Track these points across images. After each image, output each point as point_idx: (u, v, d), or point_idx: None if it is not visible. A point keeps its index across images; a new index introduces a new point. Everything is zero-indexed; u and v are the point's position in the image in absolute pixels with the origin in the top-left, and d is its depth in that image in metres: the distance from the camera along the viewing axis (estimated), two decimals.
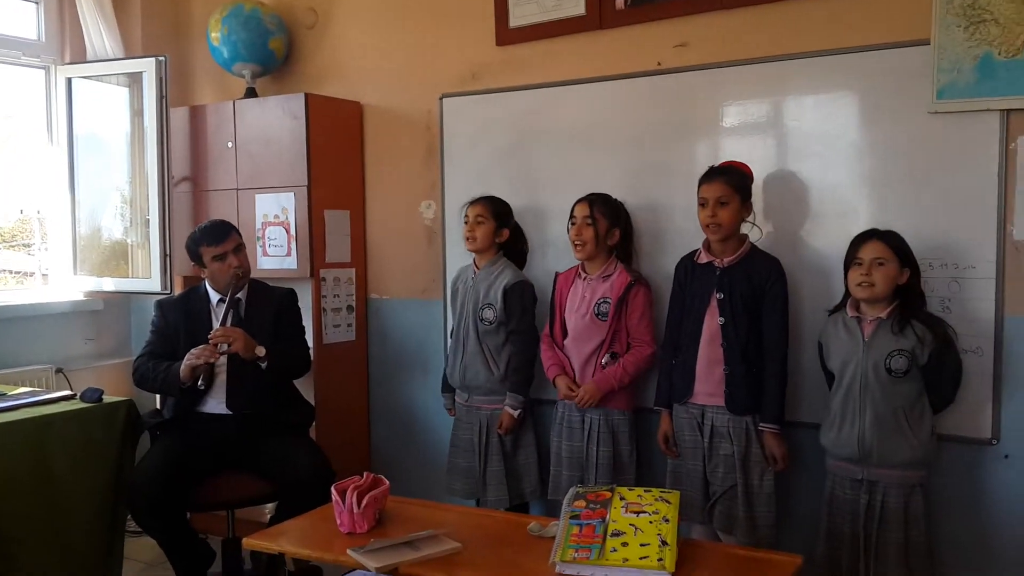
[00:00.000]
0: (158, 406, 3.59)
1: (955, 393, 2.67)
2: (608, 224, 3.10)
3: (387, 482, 2.45)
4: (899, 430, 2.57)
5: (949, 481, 2.86)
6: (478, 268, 3.37)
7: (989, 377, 2.78)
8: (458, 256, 3.67)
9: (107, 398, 3.31)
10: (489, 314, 3.27)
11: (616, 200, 3.15)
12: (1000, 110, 2.71)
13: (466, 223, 3.33)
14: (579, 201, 3.14)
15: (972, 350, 2.77)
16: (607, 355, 3.10)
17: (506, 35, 3.62)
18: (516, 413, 3.23)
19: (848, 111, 2.98)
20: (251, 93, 4.09)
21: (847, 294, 2.70)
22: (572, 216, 3.14)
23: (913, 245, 2.63)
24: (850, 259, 2.64)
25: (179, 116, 4.10)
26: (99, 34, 4.07)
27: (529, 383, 3.28)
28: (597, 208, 3.09)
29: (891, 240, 2.59)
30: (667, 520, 2.15)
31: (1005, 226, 2.74)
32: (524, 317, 3.28)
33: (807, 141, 3.03)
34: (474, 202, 3.35)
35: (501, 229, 3.34)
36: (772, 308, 2.83)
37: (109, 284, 4.18)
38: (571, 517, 2.21)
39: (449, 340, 3.59)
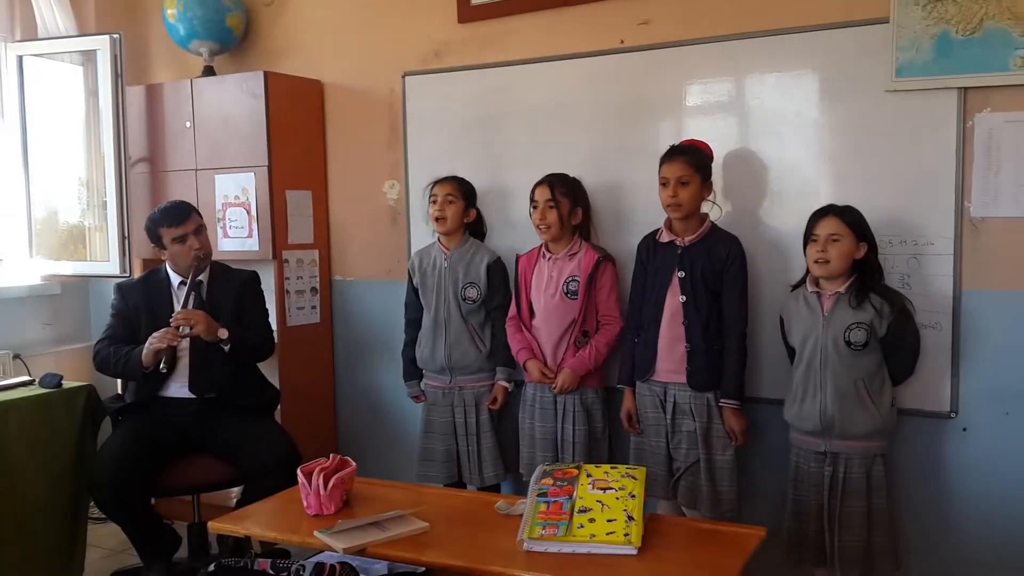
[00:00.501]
0: (119, 391, 3.54)
1: (915, 364, 2.71)
2: (570, 204, 3.11)
3: (353, 464, 2.45)
4: (860, 402, 2.62)
5: (910, 453, 2.92)
6: (447, 249, 3.35)
7: (948, 352, 2.83)
8: (423, 236, 3.65)
9: (67, 383, 3.27)
10: (473, 292, 3.28)
11: (574, 178, 3.16)
12: (957, 88, 2.74)
13: (434, 203, 3.31)
14: (538, 184, 3.14)
15: (931, 325, 2.82)
16: (580, 335, 3.11)
17: (468, 12, 3.59)
18: (510, 386, 3.29)
19: (808, 89, 2.99)
20: (209, 71, 4.02)
21: (808, 270, 2.73)
22: (533, 200, 3.13)
23: (872, 222, 2.67)
24: (807, 236, 2.69)
25: (135, 95, 4.02)
26: (50, 10, 3.97)
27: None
28: (558, 190, 3.10)
29: (846, 216, 2.63)
30: (633, 496, 2.17)
31: (962, 203, 2.78)
32: (506, 293, 3.31)
33: (768, 119, 3.05)
34: (442, 181, 3.33)
35: (469, 209, 3.34)
36: (732, 286, 2.86)
37: (67, 268, 4.11)
38: (538, 495, 2.22)
39: (407, 326, 3.53)
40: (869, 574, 2.62)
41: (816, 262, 2.64)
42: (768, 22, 3.02)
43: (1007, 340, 2.77)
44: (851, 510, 2.61)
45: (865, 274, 2.65)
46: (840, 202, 2.73)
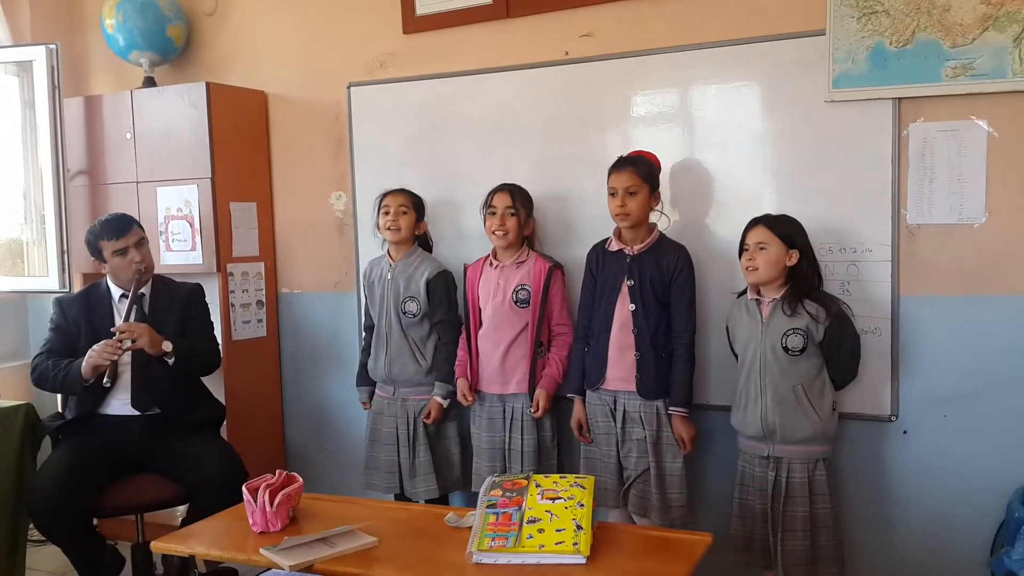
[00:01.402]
0: (60, 409, 3.45)
1: (856, 368, 2.75)
2: (526, 213, 3.13)
3: (300, 479, 2.42)
4: (799, 407, 2.66)
5: (852, 457, 2.97)
6: (394, 260, 3.33)
7: (887, 356, 2.89)
8: (371, 248, 3.63)
9: (4, 402, 3.19)
10: (412, 307, 3.26)
11: (525, 189, 3.18)
12: (892, 98, 2.81)
13: (386, 214, 3.29)
14: (498, 191, 3.14)
15: (871, 330, 2.87)
16: (535, 344, 3.11)
17: (413, 23, 3.59)
18: (445, 403, 3.25)
19: (751, 100, 3.04)
20: (150, 82, 3.95)
21: None
22: (491, 206, 3.13)
23: (813, 230, 2.72)
24: (741, 245, 2.74)
25: (73, 107, 3.94)
26: None
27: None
28: (518, 198, 3.12)
29: (774, 225, 2.68)
30: (582, 505, 2.18)
31: (899, 211, 2.85)
32: (449, 307, 3.28)
33: (712, 130, 3.09)
34: (394, 192, 3.33)
35: (420, 221, 3.34)
36: (680, 294, 2.90)
37: (4, 283, 4.00)
38: (488, 506, 2.22)
39: (363, 333, 3.54)
40: None
41: (747, 269, 2.70)
42: (710, 34, 3.07)
43: (944, 344, 2.84)
44: (794, 514, 2.65)
45: (798, 281, 2.69)
46: (781, 211, 2.78)
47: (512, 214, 3.09)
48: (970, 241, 2.78)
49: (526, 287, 3.11)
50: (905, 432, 2.91)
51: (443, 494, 3.30)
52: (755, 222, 2.72)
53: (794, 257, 2.67)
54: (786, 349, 2.65)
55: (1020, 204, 2.72)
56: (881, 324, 2.88)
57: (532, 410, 3.08)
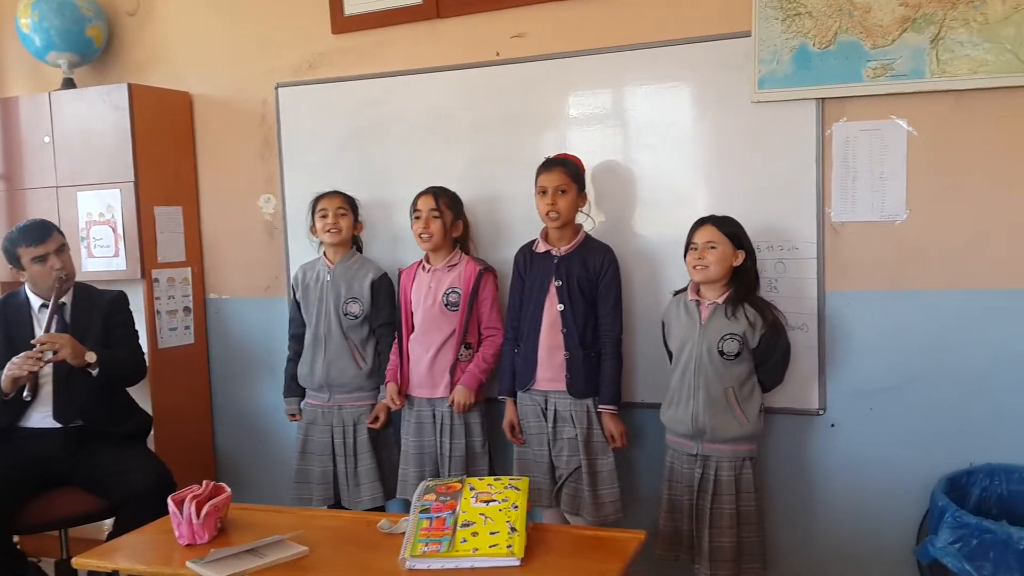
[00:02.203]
0: None
1: (784, 375, 2.80)
2: (453, 216, 3.11)
3: (228, 490, 2.36)
4: (729, 409, 2.69)
5: (782, 451, 3.02)
6: (331, 263, 3.29)
7: (814, 351, 2.94)
8: (301, 251, 3.57)
9: None
10: (355, 308, 3.22)
11: (454, 192, 3.17)
12: (816, 99, 2.86)
13: (324, 216, 3.24)
14: (422, 194, 3.13)
15: (798, 326, 2.92)
16: (462, 347, 3.09)
17: (342, 23, 3.55)
18: (394, 405, 3.23)
19: (680, 101, 3.07)
20: (69, 84, 3.84)
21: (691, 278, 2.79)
22: (416, 209, 3.12)
23: None
24: (688, 244, 2.75)
25: None
26: None
27: None
28: (442, 200, 3.10)
29: (723, 225, 2.71)
30: (516, 507, 2.17)
31: (824, 209, 2.90)
32: (392, 310, 3.26)
33: (643, 130, 3.11)
34: (330, 195, 3.29)
35: (356, 223, 3.31)
36: (607, 294, 2.92)
37: None
38: (421, 511, 2.20)
39: (290, 341, 3.46)
40: (740, 572, 2.69)
41: (695, 267, 2.71)
42: (641, 35, 3.09)
43: (869, 338, 2.90)
44: (721, 510, 2.68)
45: (742, 284, 2.72)
46: (711, 210, 2.81)
47: (436, 217, 3.08)
48: (892, 238, 2.84)
49: (456, 290, 3.10)
50: (833, 425, 2.97)
51: (387, 500, 3.26)
52: (703, 221, 2.74)
53: (740, 257, 2.71)
54: (722, 353, 2.68)
55: (938, 201, 2.79)
56: (808, 320, 2.93)
57: (451, 406, 3.07)
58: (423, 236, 3.10)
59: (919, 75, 2.72)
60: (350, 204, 3.30)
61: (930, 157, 2.79)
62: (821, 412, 2.97)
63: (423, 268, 3.19)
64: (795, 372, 2.89)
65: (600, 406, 2.91)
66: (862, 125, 2.84)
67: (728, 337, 2.67)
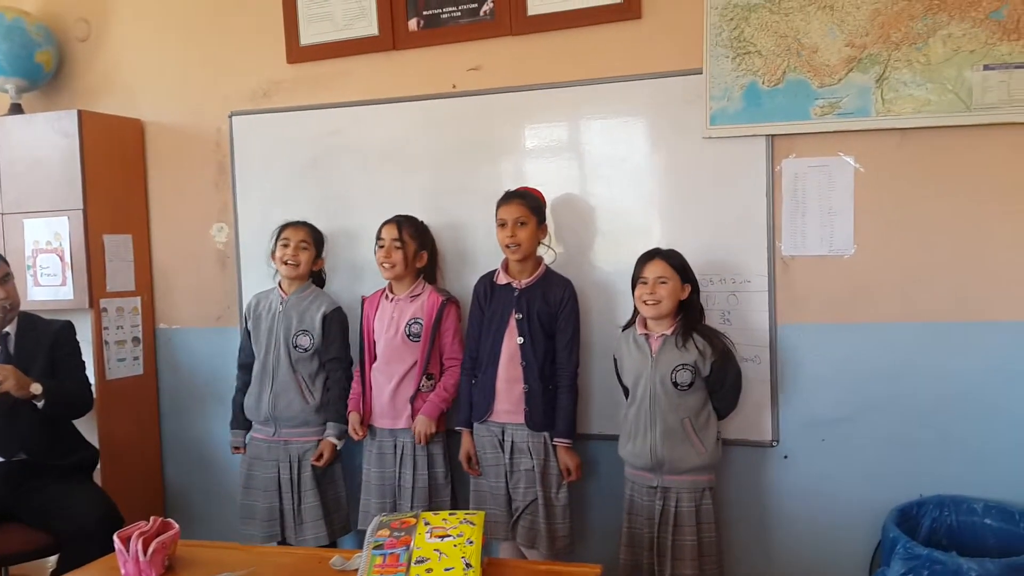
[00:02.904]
0: None
1: (737, 400, 2.82)
2: (416, 246, 3.11)
3: (176, 526, 2.30)
4: (686, 439, 2.71)
5: (736, 482, 3.05)
6: (286, 293, 3.25)
7: (767, 383, 2.98)
8: (254, 281, 3.53)
9: None
10: (305, 341, 3.18)
11: (422, 222, 3.16)
12: (766, 135, 2.92)
13: (285, 246, 3.21)
14: (387, 223, 3.12)
15: (751, 359, 2.96)
16: (423, 377, 3.08)
17: (297, 52, 3.54)
18: (339, 444, 3.18)
19: (634, 135, 3.11)
20: (16, 109, 3.78)
21: (636, 311, 2.81)
22: (380, 238, 3.11)
23: (694, 262, 2.79)
24: (636, 278, 2.77)
25: None
26: None
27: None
28: (405, 230, 3.09)
29: (671, 259, 2.74)
30: (471, 542, 2.14)
31: (775, 243, 2.95)
32: (343, 345, 3.23)
33: (598, 163, 3.14)
34: (296, 225, 3.26)
35: (318, 258, 3.29)
36: (565, 327, 2.93)
37: None
38: (374, 547, 2.16)
39: (239, 370, 3.41)
40: None
41: (646, 303, 2.72)
42: (595, 71, 3.13)
43: (819, 370, 2.95)
44: (683, 542, 2.69)
45: (689, 315, 2.75)
46: (665, 243, 2.84)
47: (398, 247, 3.07)
48: (841, 271, 2.90)
49: (419, 320, 3.08)
50: (786, 457, 3.00)
51: (333, 540, 3.21)
52: (651, 255, 2.76)
53: (687, 291, 2.74)
54: (675, 384, 2.69)
55: (885, 236, 2.86)
56: (760, 352, 2.97)
57: (414, 439, 3.05)
58: (385, 265, 3.09)
59: (865, 113, 2.80)
60: (314, 238, 3.27)
61: (877, 193, 2.85)
62: (774, 444, 3.00)
63: (387, 297, 3.17)
64: (747, 404, 2.92)
65: (555, 439, 2.91)
66: (810, 161, 2.90)
67: (680, 368, 2.69)
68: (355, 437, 3.16)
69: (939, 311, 2.82)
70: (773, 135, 2.91)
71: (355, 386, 3.21)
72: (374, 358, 3.16)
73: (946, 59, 2.71)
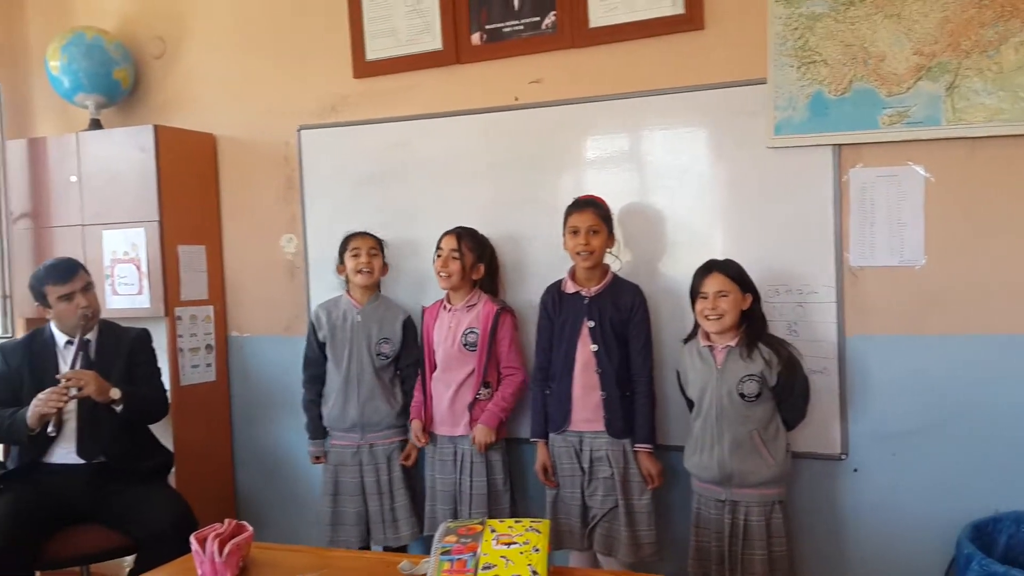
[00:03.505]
0: (1, 458, 3.35)
1: (806, 408, 2.79)
2: (474, 258, 3.14)
3: (250, 528, 2.36)
4: (755, 451, 2.68)
5: (805, 496, 3.01)
6: (359, 303, 3.32)
7: (835, 395, 2.94)
8: (322, 291, 3.61)
9: None
10: (387, 348, 3.27)
11: (482, 235, 3.20)
12: (832, 145, 2.89)
13: (356, 256, 3.28)
14: (447, 234, 3.17)
15: (819, 370, 2.92)
16: (481, 386, 3.11)
17: (363, 68, 3.61)
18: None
19: (696, 146, 3.10)
20: (96, 125, 3.91)
21: (697, 323, 2.80)
22: (439, 248, 3.16)
23: (759, 273, 2.77)
24: (695, 292, 2.75)
25: (17, 149, 3.88)
26: None
27: None
28: (464, 242, 3.13)
29: (729, 270, 2.72)
30: (537, 550, 2.16)
31: (842, 253, 2.92)
32: (419, 350, 3.30)
33: (660, 174, 3.14)
34: (362, 235, 3.34)
35: (385, 264, 3.37)
36: (637, 333, 2.94)
37: None
38: (442, 553, 2.19)
39: (310, 383, 3.45)
40: None
41: (708, 318, 2.70)
42: (656, 82, 3.13)
43: (889, 382, 2.90)
44: (752, 557, 2.66)
45: (752, 325, 2.73)
46: (729, 254, 2.82)
47: (456, 258, 3.11)
48: (911, 282, 2.85)
49: (475, 330, 3.12)
50: (856, 470, 2.96)
51: (424, 535, 3.26)
52: (708, 269, 2.74)
53: (748, 300, 2.72)
54: (742, 395, 2.67)
55: (957, 247, 2.80)
56: (828, 363, 2.93)
57: (473, 446, 3.09)
58: (441, 274, 3.14)
59: (935, 122, 2.75)
60: (380, 246, 3.35)
61: (948, 203, 2.80)
62: (843, 457, 2.96)
63: (444, 307, 3.22)
64: (816, 416, 2.89)
65: (636, 445, 2.91)
66: (879, 171, 2.87)
67: (747, 379, 2.67)
68: (417, 444, 3.22)
69: (1013, 323, 2.76)
70: (840, 144, 2.88)
71: (416, 394, 3.26)
72: (434, 367, 3.21)
73: (1018, 66, 2.66)
